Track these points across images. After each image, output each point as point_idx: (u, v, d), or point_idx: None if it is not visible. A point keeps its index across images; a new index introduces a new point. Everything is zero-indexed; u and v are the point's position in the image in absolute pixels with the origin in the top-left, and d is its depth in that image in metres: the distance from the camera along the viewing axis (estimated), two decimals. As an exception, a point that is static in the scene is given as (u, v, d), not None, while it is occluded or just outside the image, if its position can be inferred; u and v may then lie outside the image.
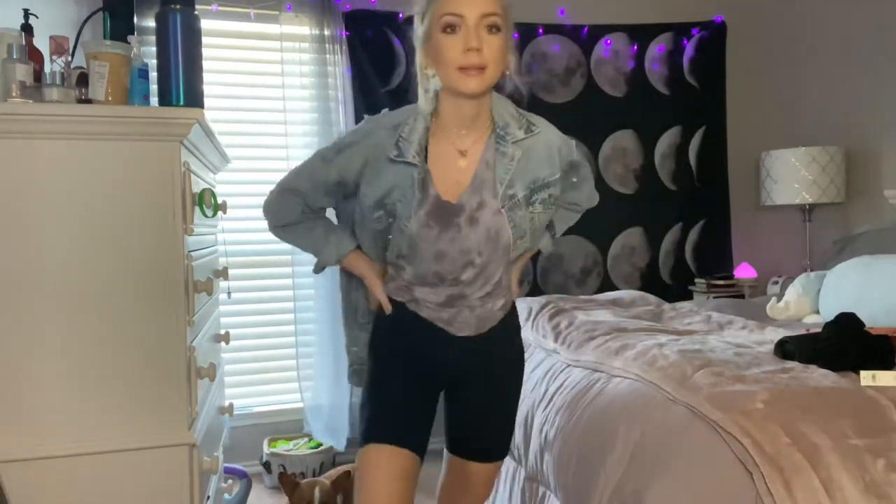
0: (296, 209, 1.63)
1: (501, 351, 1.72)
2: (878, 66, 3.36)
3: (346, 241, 1.66)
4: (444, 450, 1.82)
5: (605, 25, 3.86)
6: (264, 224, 1.68)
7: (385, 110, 1.62)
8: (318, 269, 1.72)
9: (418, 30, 1.53)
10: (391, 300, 1.66)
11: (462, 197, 1.54)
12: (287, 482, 2.33)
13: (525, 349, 1.75)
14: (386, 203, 1.53)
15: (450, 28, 1.44)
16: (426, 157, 1.54)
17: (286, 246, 1.85)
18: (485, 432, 1.75)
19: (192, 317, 1.72)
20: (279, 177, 1.66)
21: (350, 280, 1.77)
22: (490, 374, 1.71)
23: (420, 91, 1.56)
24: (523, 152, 1.56)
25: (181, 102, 1.77)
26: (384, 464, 1.56)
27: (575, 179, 1.73)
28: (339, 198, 1.65)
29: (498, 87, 1.57)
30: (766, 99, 4.01)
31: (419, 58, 1.53)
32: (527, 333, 2.60)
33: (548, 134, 1.61)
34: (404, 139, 1.53)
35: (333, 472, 2.49)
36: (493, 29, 1.45)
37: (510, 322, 1.72)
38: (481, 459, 1.76)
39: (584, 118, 3.81)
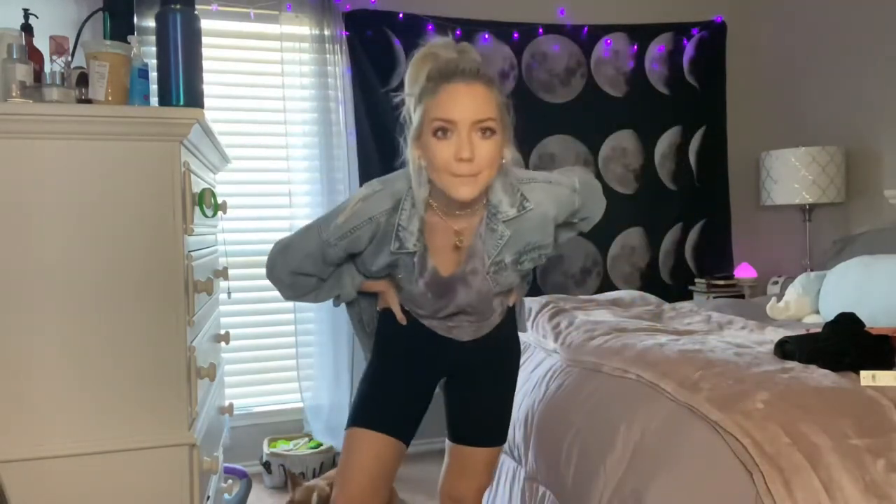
0: (311, 283, 1.70)
1: (500, 344, 1.79)
2: (878, 66, 3.36)
3: (357, 272, 1.71)
4: (447, 440, 1.85)
5: (605, 25, 3.85)
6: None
7: (379, 185, 1.55)
8: (339, 303, 1.79)
9: (412, 114, 1.46)
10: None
11: (457, 271, 1.59)
12: (295, 483, 2.36)
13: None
14: (389, 269, 1.61)
15: (441, 132, 1.39)
16: (423, 229, 1.54)
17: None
18: (487, 420, 1.81)
19: (192, 317, 1.72)
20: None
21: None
22: (490, 366, 1.78)
23: (413, 176, 1.50)
24: (513, 231, 1.55)
25: (181, 102, 1.77)
26: (365, 446, 1.64)
27: (575, 221, 1.74)
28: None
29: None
30: (766, 99, 4.00)
31: (411, 150, 1.48)
32: (527, 334, 2.60)
33: (543, 206, 1.56)
34: (403, 228, 1.51)
35: (332, 474, 2.49)
36: (488, 132, 1.40)
37: (507, 320, 1.79)
38: (485, 445, 1.81)
39: (584, 118, 3.81)
